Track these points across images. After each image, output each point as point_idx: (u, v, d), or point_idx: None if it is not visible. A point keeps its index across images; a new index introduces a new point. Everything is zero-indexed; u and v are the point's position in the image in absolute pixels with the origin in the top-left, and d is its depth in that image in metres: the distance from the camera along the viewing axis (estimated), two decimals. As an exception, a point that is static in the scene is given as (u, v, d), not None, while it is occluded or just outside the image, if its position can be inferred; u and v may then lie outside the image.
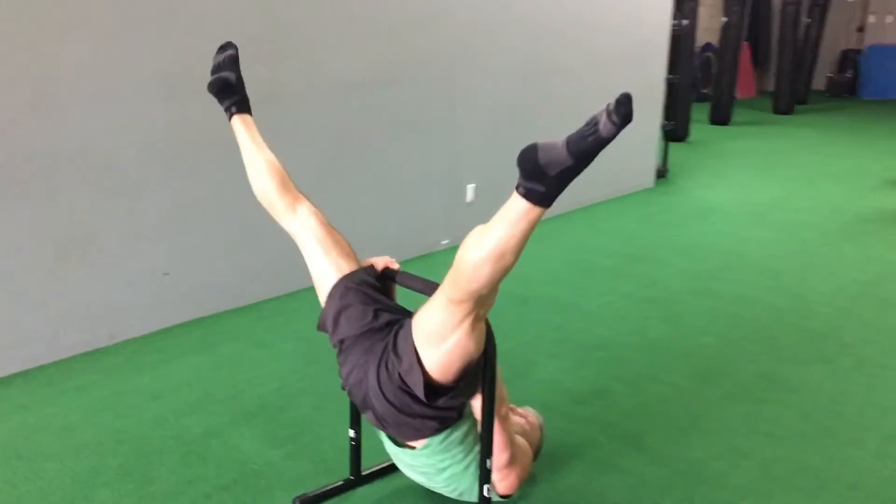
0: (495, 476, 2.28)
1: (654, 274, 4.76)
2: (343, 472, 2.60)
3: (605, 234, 5.68)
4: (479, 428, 2.21)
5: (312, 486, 2.54)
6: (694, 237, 5.60)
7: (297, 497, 2.48)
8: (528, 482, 2.56)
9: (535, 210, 1.77)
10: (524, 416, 2.64)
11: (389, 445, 2.31)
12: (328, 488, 2.53)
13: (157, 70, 3.49)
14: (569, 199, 6.48)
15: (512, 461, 2.30)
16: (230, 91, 2.45)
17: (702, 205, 6.58)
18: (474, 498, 2.26)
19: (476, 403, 2.20)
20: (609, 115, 1.67)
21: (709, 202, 6.66)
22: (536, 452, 2.60)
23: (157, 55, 3.48)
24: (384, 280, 2.35)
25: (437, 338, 1.96)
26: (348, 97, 4.34)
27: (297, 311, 4.03)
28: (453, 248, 5.46)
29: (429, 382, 2.02)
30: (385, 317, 2.18)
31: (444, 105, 4.95)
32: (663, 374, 3.43)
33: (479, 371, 2.12)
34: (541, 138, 1.76)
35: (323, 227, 2.35)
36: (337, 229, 2.39)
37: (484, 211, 5.61)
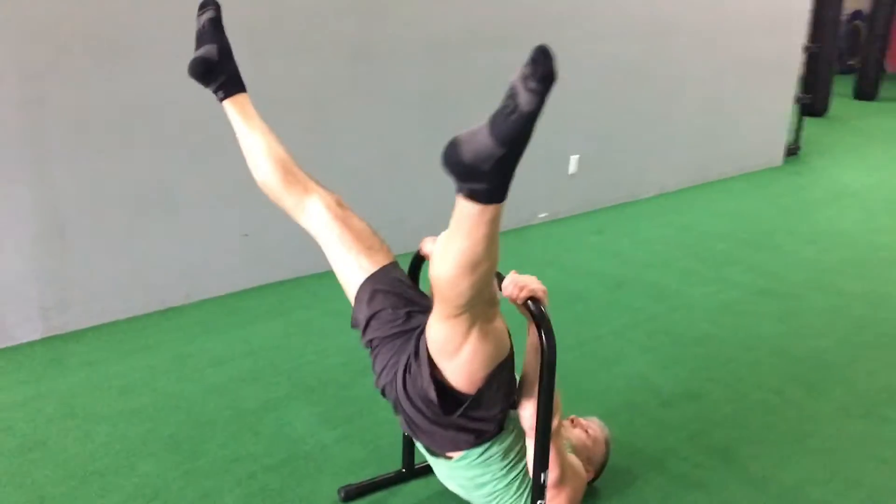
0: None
1: (772, 263, 4.31)
2: (396, 463, 2.41)
3: (722, 216, 5.22)
4: (525, 441, 1.96)
5: (362, 475, 2.37)
6: (822, 224, 5.07)
7: (342, 487, 2.31)
8: (591, 495, 2.29)
9: (488, 210, 1.47)
10: (586, 427, 2.32)
11: (426, 451, 2.08)
12: (375, 480, 2.35)
13: (241, 23, 3.35)
14: (683, 174, 6.09)
15: (561, 481, 2.00)
16: (213, 72, 2.11)
17: (835, 188, 5.97)
18: None
19: (524, 413, 1.93)
20: (525, 80, 1.35)
21: (843, 185, 6.04)
22: (599, 470, 2.30)
23: (242, 8, 3.33)
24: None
25: (450, 351, 1.73)
26: (444, 57, 4.08)
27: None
28: (551, 223, 5.23)
29: (454, 393, 1.79)
30: (417, 319, 1.94)
31: (551, 69, 4.61)
32: (769, 379, 3.04)
33: (511, 377, 1.88)
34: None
35: (338, 221, 2.06)
36: (355, 213, 2.11)
37: (587, 185, 5.35)
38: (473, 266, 1.53)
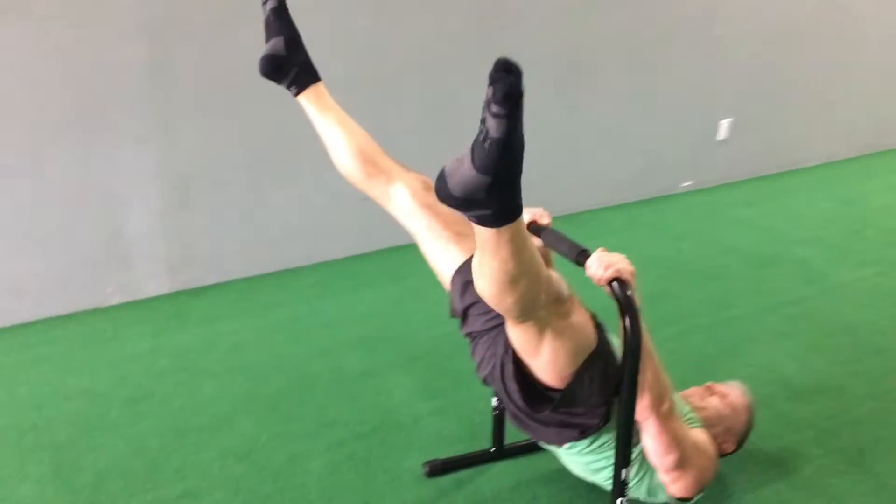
0: (665, 478, 1.88)
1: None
2: (487, 441, 2.31)
3: (892, 189, 4.67)
4: (640, 429, 1.83)
5: (451, 451, 2.29)
6: None
7: (427, 462, 2.24)
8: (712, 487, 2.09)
9: (503, 231, 1.33)
10: (724, 395, 2.13)
11: None
12: (463, 457, 2.26)
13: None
14: (856, 141, 5.48)
15: (682, 464, 1.85)
16: (283, 68, 2.02)
17: None
18: (654, 499, 1.93)
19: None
20: (487, 105, 1.17)
21: None
22: (741, 440, 2.10)
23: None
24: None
25: (530, 352, 1.64)
26: (579, 17, 3.85)
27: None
28: (695, 192, 4.86)
29: (546, 390, 1.70)
30: None
31: (702, 25, 4.25)
32: (927, 377, 2.68)
33: (606, 368, 1.72)
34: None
35: (425, 208, 1.97)
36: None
37: (739, 151, 4.92)
38: (512, 282, 1.42)
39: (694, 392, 2.15)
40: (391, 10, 3.38)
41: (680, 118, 4.39)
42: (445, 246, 1.95)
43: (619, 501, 1.78)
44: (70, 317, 3.12)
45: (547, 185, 3.94)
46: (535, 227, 1.89)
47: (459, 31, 3.56)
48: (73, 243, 3.06)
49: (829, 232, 3.97)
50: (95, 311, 3.16)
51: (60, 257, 3.06)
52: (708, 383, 2.18)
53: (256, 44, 3.09)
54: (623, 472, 1.76)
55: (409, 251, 3.66)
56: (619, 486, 1.77)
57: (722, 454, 2.05)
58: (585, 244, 1.74)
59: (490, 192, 1.26)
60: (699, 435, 1.97)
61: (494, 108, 1.17)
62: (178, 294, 3.28)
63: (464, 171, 1.26)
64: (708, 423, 2.03)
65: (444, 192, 1.30)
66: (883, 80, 5.18)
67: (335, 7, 3.25)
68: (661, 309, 3.15)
